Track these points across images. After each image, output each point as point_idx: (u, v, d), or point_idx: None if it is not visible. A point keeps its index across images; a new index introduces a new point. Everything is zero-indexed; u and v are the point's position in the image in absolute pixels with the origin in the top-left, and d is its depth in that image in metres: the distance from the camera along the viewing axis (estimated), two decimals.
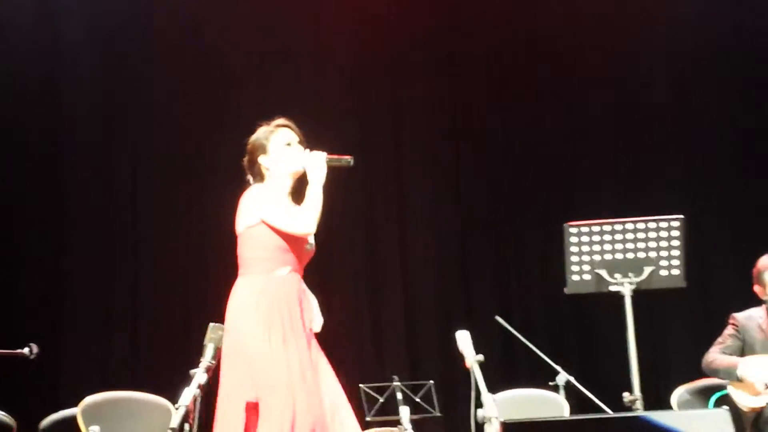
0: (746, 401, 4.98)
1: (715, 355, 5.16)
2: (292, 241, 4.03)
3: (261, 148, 4.15)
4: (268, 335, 3.92)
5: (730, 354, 5.14)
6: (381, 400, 5.64)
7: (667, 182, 7.16)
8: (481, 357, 4.15)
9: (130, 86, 7.09)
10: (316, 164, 4.06)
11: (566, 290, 4.73)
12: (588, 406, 5.48)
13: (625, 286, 4.59)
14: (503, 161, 7.29)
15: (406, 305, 7.00)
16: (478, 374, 4.03)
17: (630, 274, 4.61)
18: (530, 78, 7.38)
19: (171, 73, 7.09)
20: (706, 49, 7.39)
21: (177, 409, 3.42)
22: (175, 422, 3.38)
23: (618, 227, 4.62)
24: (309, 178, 4.05)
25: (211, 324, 3.65)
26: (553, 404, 5.62)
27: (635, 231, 4.61)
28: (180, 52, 7.13)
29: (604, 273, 4.61)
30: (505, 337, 6.05)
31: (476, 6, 7.40)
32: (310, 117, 6.19)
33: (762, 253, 5.22)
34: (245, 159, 4.20)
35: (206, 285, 6.99)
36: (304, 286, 4.13)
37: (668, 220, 4.61)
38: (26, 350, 5.30)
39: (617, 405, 4.80)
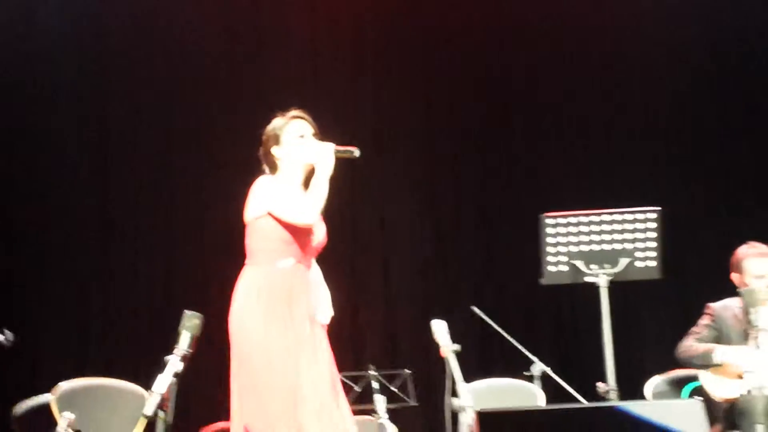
0: (720, 392, 4.98)
1: (690, 344, 5.14)
2: (297, 233, 4.04)
3: (274, 139, 4.16)
4: (266, 326, 3.94)
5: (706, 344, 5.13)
6: (357, 389, 5.64)
7: (644, 174, 7.20)
8: (457, 346, 4.17)
9: (117, 75, 7.07)
10: (324, 155, 4.05)
11: (543, 281, 4.76)
12: (563, 396, 5.51)
13: (601, 278, 4.63)
14: (481, 154, 7.31)
15: (383, 294, 7.01)
16: (453, 364, 4.04)
17: (606, 266, 4.64)
18: (507, 73, 7.41)
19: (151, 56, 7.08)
20: (682, 43, 7.42)
21: (151, 396, 3.41)
22: (149, 409, 3.38)
23: (594, 218, 4.65)
24: (316, 169, 4.05)
25: (186, 312, 3.65)
26: (528, 394, 5.64)
27: (612, 222, 4.64)
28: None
29: (580, 264, 4.65)
30: (481, 327, 6.06)
31: (451, 5, 7.41)
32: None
33: (737, 244, 5.24)
34: (260, 149, 4.21)
35: (184, 272, 7.00)
36: (314, 277, 4.14)
37: (645, 212, 4.64)
38: (1, 337, 5.27)
39: (592, 395, 4.84)
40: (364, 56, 7.39)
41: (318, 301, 4.14)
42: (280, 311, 3.97)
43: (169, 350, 3.57)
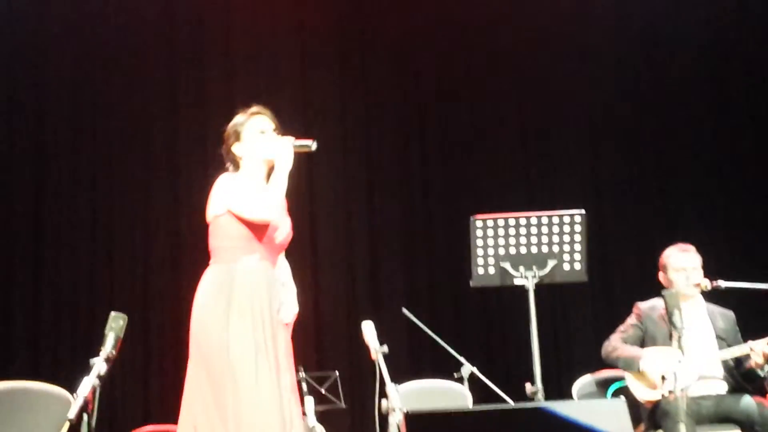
0: (643, 394, 5.06)
1: (616, 344, 5.18)
2: (258, 230, 4.00)
3: (235, 136, 4.14)
4: (227, 325, 3.88)
5: (632, 344, 5.18)
6: (321, 390, 5.60)
7: (571, 178, 7.30)
8: (385, 348, 4.17)
9: (56, 61, 6.97)
10: (282, 150, 4.03)
11: (472, 283, 4.77)
12: (491, 397, 5.54)
13: (528, 280, 4.65)
14: (413, 156, 7.34)
15: (312, 295, 6.99)
16: (382, 365, 4.04)
17: (534, 268, 4.66)
18: (442, 75, 7.44)
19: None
20: (612, 47, 7.54)
21: (75, 399, 3.35)
22: (72, 413, 3.32)
23: (522, 221, 4.67)
24: (275, 164, 4.03)
25: (112, 313, 3.59)
26: (456, 395, 5.66)
27: (539, 225, 4.67)
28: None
29: (508, 266, 4.66)
30: (411, 329, 6.07)
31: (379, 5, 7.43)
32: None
33: (662, 246, 5.34)
34: (223, 147, 4.18)
35: (111, 273, 6.91)
36: (280, 275, 4.10)
37: (571, 215, 4.68)
38: None
39: (521, 396, 4.87)
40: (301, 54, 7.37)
41: (283, 299, 4.09)
42: (241, 309, 3.92)
43: (96, 352, 3.51)
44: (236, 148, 4.14)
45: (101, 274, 6.83)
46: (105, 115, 7.01)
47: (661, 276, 5.27)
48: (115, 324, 3.59)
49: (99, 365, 3.46)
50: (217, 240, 4.06)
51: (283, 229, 4.12)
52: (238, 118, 4.17)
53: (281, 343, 4.00)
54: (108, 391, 4.00)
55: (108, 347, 3.53)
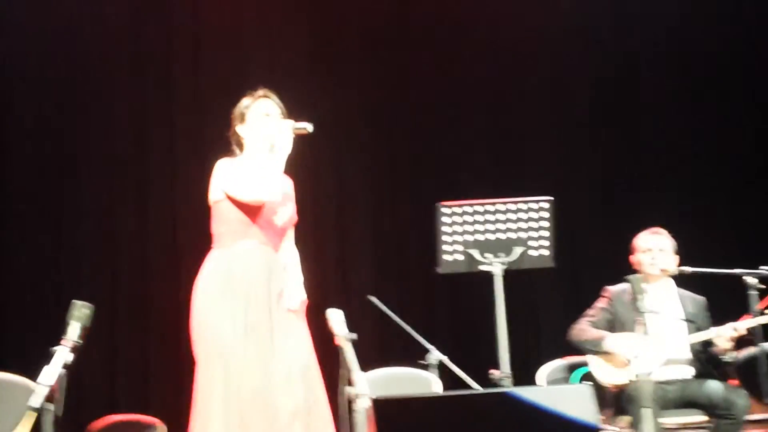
0: (608, 378, 5.09)
1: (583, 326, 5.20)
2: (255, 213, 4.03)
3: (240, 117, 4.19)
4: (221, 308, 3.93)
5: (600, 328, 5.18)
6: None
7: (538, 164, 7.33)
8: (353, 335, 4.16)
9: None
10: (281, 133, 4.05)
11: (439, 270, 4.78)
12: (460, 384, 5.56)
13: (495, 266, 4.67)
14: (381, 142, 7.33)
15: None
16: (349, 352, 4.03)
17: (501, 254, 4.68)
18: (411, 63, 7.44)
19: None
20: (579, 43, 7.57)
21: (38, 388, 3.32)
22: (35, 402, 3.29)
23: (490, 208, 4.68)
24: (275, 147, 4.05)
25: (75, 301, 3.57)
26: (424, 382, 5.68)
27: (506, 212, 4.68)
28: None
29: (475, 253, 4.67)
30: (378, 316, 6.07)
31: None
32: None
33: (630, 233, 5.37)
34: (229, 129, 4.21)
35: (77, 262, 6.85)
36: (286, 259, 4.12)
37: (538, 202, 4.70)
38: None
39: (488, 382, 4.89)
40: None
41: (286, 285, 4.08)
42: (235, 292, 3.95)
43: (59, 341, 3.49)
44: (240, 130, 4.19)
45: (67, 262, 6.77)
46: (72, 107, 6.96)
47: (632, 258, 5.32)
48: (79, 312, 3.57)
49: (64, 354, 3.44)
50: (216, 225, 4.11)
51: (284, 213, 4.15)
52: (245, 101, 4.22)
53: (281, 329, 4.00)
54: (74, 380, 3.97)
55: (72, 336, 3.51)
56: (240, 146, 4.19)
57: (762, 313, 4.92)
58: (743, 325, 4.92)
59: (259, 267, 4.02)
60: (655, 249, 5.20)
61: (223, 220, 4.08)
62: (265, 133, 4.11)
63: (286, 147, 4.05)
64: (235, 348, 3.89)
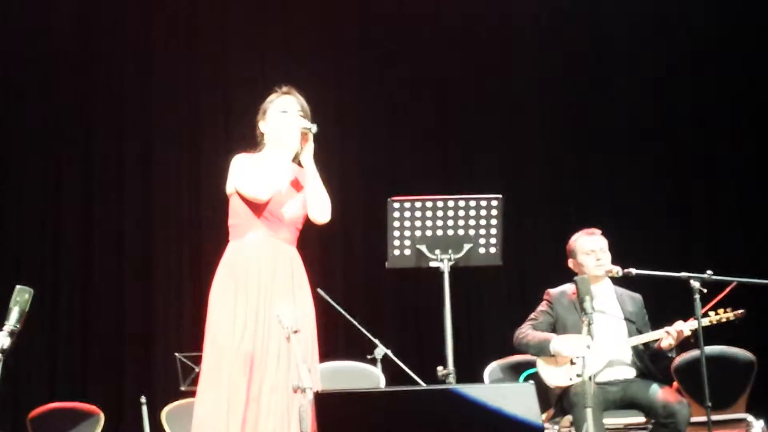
0: (553, 379, 5.11)
1: (527, 331, 5.21)
2: (261, 208, 4.13)
3: (262, 113, 4.29)
4: (226, 299, 4.06)
5: (543, 330, 5.20)
6: (196, 369, 5.56)
7: (488, 162, 7.35)
8: (298, 328, 4.13)
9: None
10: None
11: (387, 265, 4.76)
12: (405, 379, 5.56)
13: (443, 262, 4.65)
14: (330, 136, 7.30)
15: None
16: (294, 345, 4.00)
17: (449, 251, 4.66)
18: (363, 55, 7.45)
19: None
20: (531, 40, 7.60)
21: None
22: None
23: (439, 204, 4.66)
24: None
25: (18, 287, 3.51)
26: (369, 377, 5.67)
27: (456, 208, 4.66)
28: None
29: (424, 248, 4.66)
30: (326, 310, 6.05)
31: None
32: None
33: (575, 231, 5.39)
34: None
35: (19, 247, 6.76)
36: (291, 253, 4.21)
37: (487, 199, 4.68)
38: None
39: (434, 379, 4.88)
40: None
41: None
42: (238, 283, 4.07)
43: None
44: (261, 125, 4.31)
45: (8, 247, 6.68)
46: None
47: (570, 263, 5.31)
48: (20, 297, 3.51)
49: (2, 339, 3.38)
50: (230, 218, 4.23)
51: (291, 206, 4.23)
52: (270, 97, 4.32)
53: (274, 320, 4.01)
54: (12, 367, 3.92)
55: (12, 321, 3.45)
56: (261, 141, 4.31)
57: (704, 316, 4.96)
58: (687, 326, 4.96)
59: (263, 258, 4.11)
60: (597, 249, 5.22)
61: (235, 213, 4.20)
62: (274, 129, 4.23)
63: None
64: (229, 340, 4.01)
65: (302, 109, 4.30)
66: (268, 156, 4.24)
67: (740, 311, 5.02)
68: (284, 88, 4.34)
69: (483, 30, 7.53)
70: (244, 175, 4.16)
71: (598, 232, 5.29)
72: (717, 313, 5.01)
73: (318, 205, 4.29)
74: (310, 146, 4.29)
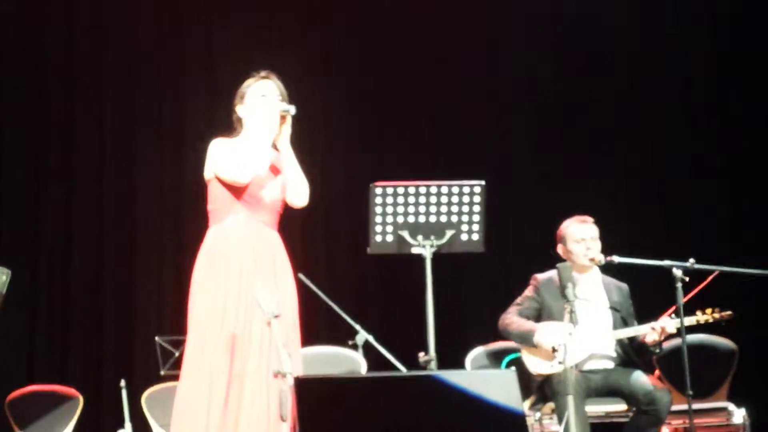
0: (536, 367, 5.10)
1: (512, 318, 5.18)
2: (240, 191, 4.14)
3: (240, 97, 4.29)
4: (205, 281, 4.09)
5: (527, 316, 5.19)
6: (176, 354, 5.55)
7: (472, 148, 7.34)
8: (279, 313, 4.11)
9: None
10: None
11: (369, 250, 4.74)
12: (386, 365, 5.53)
13: (426, 249, 4.64)
14: (313, 120, 7.28)
15: None
16: (274, 330, 3.99)
17: (432, 237, 4.65)
18: (350, 40, 7.42)
19: None
20: (515, 25, 7.59)
21: None
22: None
23: (422, 190, 4.64)
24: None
25: None
26: (351, 362, 5.67)
27: (438, 195, 4.64)
28: None
29: (406, 234, 4.64)
30: (307, 295, 6.03)
31: None
32: None
33: (561, 220, 5.37)
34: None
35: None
36: (272, 237, 4.21)
37: (470, 186, 4.66)
38: None
39: (416, 365, 4.87)
40: None
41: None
42: (218, 266, 4.08)
43: None
44: (239, 109, 4.31)
45: None
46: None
47: (559, 248, 5.29)
48: None
49: None
50: (209, 203, 4.24)
51: (271, 189, 4.23)
52: (247, 81, 4.32)
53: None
54: None
55: None
56: (239, 125, 4.31)
57: (691, 313, 4.96)
58: (672, 324, 4.94)
59: (244, 241, 4.11)
60: (588, 239, 5.20)
61: (215, 197, 4.21)
62: (256, 114, 4.23)
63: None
64: (211, 323, 4.03)
65: (281, 93, 4.30)
66: (246, 140, 4.24)
67: (727, 312, 5.03)
68: (262, 73, 4.34)
69: (468, 13, 7.49)
70: (223, 159, 4.16)
71: (590, 220, 5.27)
72: (705, 313, 5.02)
73: (295, 188, 4.28)
74: (287, 129, 4.29)
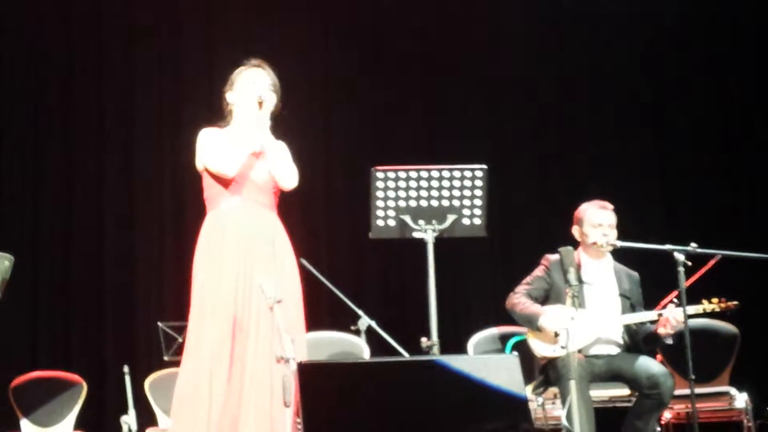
0: (540, 350, 5.10)
1: (520, 299, 5.15)
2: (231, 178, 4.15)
3: (230, 84, 4.31)
4: (203, 268, 4.11)
5: (536, 297, 5.16)
6: (179, 339, 5.55)
7: (473, 133, 7.33)
8: (281, 298, 4.11)
9: None
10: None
11: (370, 235, 4.73)
12: (389, 350, 5.54)
13: (428, 233, 4.63)
14: (314, 104, 7.28)
15: None
16: (277, 315, 3.99)
17: (433, 221, 4.64)
18: (350, 24, 7.42)
19: None
20: (519, 10, 7.58)
21: None
22: None
23: (424, 174, 4.63)
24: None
25: None
26: (353, 347, 5.67)
27: (440, 179, 4.63)
28: None
29: (408, 219, 4.63)
30: (309, 280, 6.03)
31: None
32: None
33: (562, 205, 5.36)
34: None
35: None
36: (271, 219, 4.21)
37: (472, 170, 4.65)
38: None
39: (418, 350, 4.88)
40: None
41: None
42: (214, 254, 4.11)
43: None
44: (228, 96, 4.33)
45: None
46: None
47: (575, 230, 5.26)
48: (1, 265, 3.48)
49: None
50: (204, 191, 4.26)
51: (261, 173, 4.22)
52: (239, 69, 4.33)
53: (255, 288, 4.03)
54: None
55: None
56: (229, 112, 4.33)
57: (697, 302, 4.96)
58: (680, 314, 4.92)
59: (241, 225, 4.12)
60: (605, 225, 5.17)
61: (209, 184, 4.22)
62: (244, 100, 4.25)
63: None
64: (211, 306, 4.05)
65: (273, 83, 4.30)
66: (234, 128, 4.26)
67: (734, 303, 5.01)
68: (254, 61, 4.34)
69: (469, 1, 7.48)
70: (211, 152, 4.18)
71: (610, 206, 5.23)
72: (711, 303, 5.01)
73: (278, 174, 4.25)
74: (262, 116, 4.22)
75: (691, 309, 4.90)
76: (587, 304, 5.07)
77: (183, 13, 7.27)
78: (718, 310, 5.02)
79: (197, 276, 4.16)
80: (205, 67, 7.08)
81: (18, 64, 7.01)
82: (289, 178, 4.28)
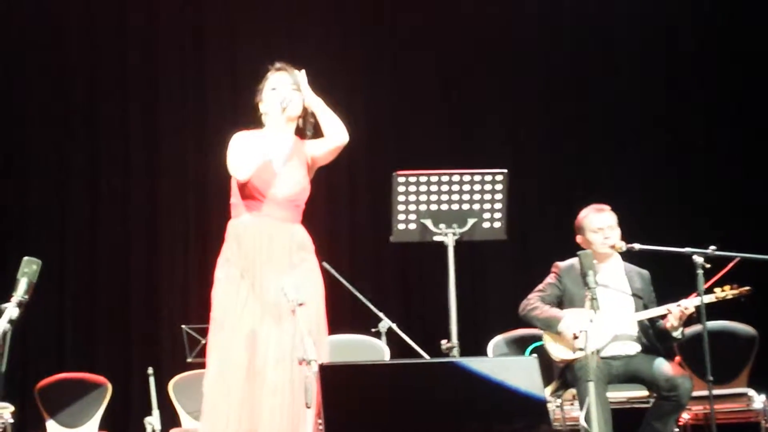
0: (558, 353, 5.13)
1: (536, 303, 5.19)
2: (250, 188, 4.13)
3: (258, 93, 4.29)
4: (222, 278, 4.13)
5: (550, 303, 5.19)
6: (202, 341, 5.60)
7: (494, 137, 7.35)
8: (302, 301, 4.16)
9: None
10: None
11: (392, 239, 4.78)
12: (409, 352, 5.59)
13: (448, 237, 4.67)
14: (337, 109, 7.29)
15: None
16: (299, 318, 4.04)
17: (454, 225, 4.68)
18: (367, 25, 7.47)
19: None
20: (531, 21, 7.59)
21: None
22: None
23: (444, 178, 4.67)
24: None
25: (25, 258, 3.54)
26: (374, 350, 5.71)
27: (461, 183, 4.68)
28: None
29: (428, 223, 4.67)
30: (330, 283, 6.09)
31: None
32: None
33: (579, 208, 5.38)
34: None
35: (25, 218, 6.79)
36: (290, 230, 4.19)
37: (492, 174, 4.69)
38: None
39: (438, 352, 4.91)
40: None
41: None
42: (230, 262, 4.12)
43: (8, 299, 3.46)
44: (260, 106, 4.31)
45: (14, 220, 6.71)
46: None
47: (578, 238, 5.29)
48: (28, 269, 3.53)
49: (10, 310, 3.41)
50: (232, 196, 4.25)
51: (284, 184, 4.19)
52: (266, 75, 4.32)
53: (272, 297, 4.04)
54: (21, 339, 3.95)
55: (20, 292, 3.48)
56: (261, 120, 4.33)
57: (709, 292, 4.97)
58: (691, 303, 4.96)
59: (256, 239, 4.11)
60: (606, 227, 5.21)
61: (234, 192, 4.22)
62: (268, 108, 4.24)
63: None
64: (227, 318, 4.07)
65: (294, 82, 4.26)
66: (263, 134, 4.26)
67: (746, 288, 5.02)
68: (277, 65, 4.33)
69: (486, 2, 7.50)
70: (231, 155, 4.19)
71: (607, 208, 5.26)
72: (723, 290, 5.01)
73: (330, 129, 4.29)
74: (306, 90, 4.25)
75: (705, 299, 4.91)
76: (602, 305, 5.09)
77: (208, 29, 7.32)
78: (731, 296, 5.02)
79: (215, 285, 4.19)
80: (229, 76, 7.16)
81: (43, 68, 7.09)
82: (341, 133, 4.34)
